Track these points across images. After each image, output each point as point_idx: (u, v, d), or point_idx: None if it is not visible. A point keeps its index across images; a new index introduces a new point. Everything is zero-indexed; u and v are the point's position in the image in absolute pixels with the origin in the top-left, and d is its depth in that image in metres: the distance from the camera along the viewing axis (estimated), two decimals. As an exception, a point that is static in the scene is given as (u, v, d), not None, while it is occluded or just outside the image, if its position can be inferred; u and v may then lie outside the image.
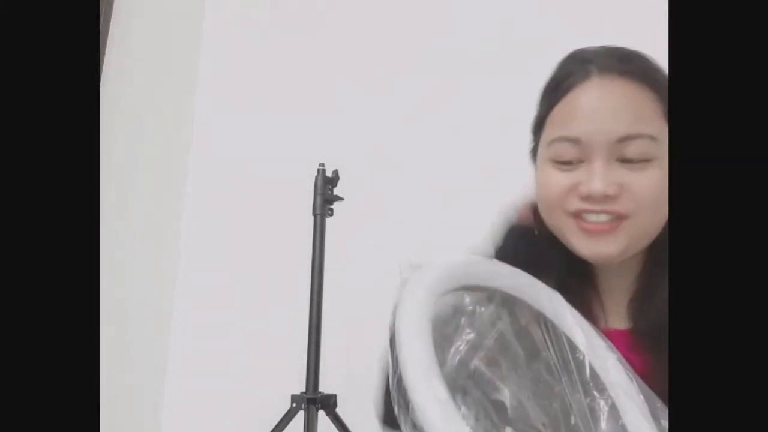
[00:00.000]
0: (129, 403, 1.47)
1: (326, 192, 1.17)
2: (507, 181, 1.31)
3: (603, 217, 0.63)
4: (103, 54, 1.44)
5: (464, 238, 1.35)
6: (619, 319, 0.68)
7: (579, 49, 0.70)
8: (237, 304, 1.56)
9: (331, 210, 1.18)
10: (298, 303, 1.20)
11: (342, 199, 1.18)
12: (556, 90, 0.68)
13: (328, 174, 1.18)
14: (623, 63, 0.66)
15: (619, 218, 0.62)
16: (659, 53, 0.72)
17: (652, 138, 0.62)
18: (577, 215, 0.64)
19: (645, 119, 0.63)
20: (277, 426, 1.10)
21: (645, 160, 0.62)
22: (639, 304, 0.67)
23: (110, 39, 1.47)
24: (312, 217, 1.16)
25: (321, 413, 1.10)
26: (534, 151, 0.74)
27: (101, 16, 1.43)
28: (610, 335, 0.64)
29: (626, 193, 0.62)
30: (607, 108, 0.64)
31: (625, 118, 0.63)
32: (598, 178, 0.62)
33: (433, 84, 1.45)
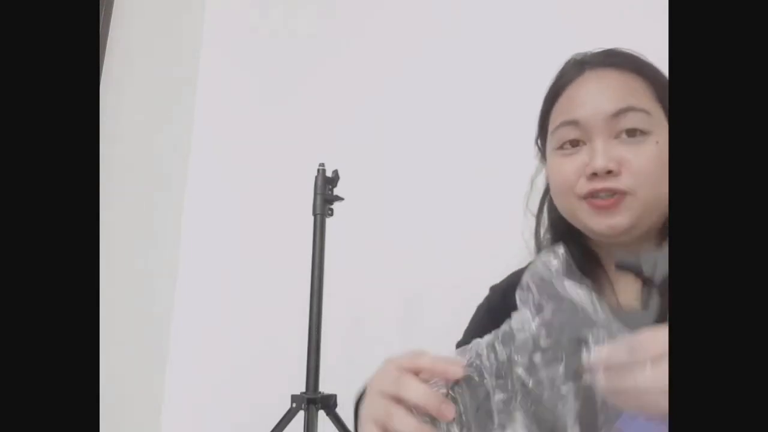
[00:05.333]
0: (129, 403, 1.47)
1: (326, 192, 1.17)
2: (508, 181, 1.32)
3: (609, 194, 0.70)
4: (103, 55, 1.45)
5: (464, 239, 1.36)
6: (631, 302, 0.73)
7: (575, 54, 0.79)
8: (237, 304, 1.56)
9: (331, 210, 1.18)
10: (298, 303, 1.20)
11: (342, 199, 1.18)
12: (555, 88, 0.78)
13: (328, 174, 1.18)
14: (611, 57, 0.75)
15: (622, 194, 0.69)
16: (661, 58, 0.74)
17: (644, 111, 0.70)
18: (588, 197, 0.71)
19: (635, 95, 0.71)
20: (277, 426, 1.10)
21: (641, 133, 0.70)
22: (649, 287, 0.70)
23: (110, 40, 1.48)
24: (312, 217, 1.16)
25: (321, 413, 1.10)
26: (542, 147, 0.82)
27: (101, 18, 1.43)
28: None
29: (625, 168, 0.69)
30: (599, 91, 0.73)
31: (616, 95, 0.71)
32: (599, 155, 0.69)
33: (434, 84, 1.45)
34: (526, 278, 0.52)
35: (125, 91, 1.53)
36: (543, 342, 0.49)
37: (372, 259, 1.40)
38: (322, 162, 1.18)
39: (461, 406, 0.50)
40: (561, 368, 0.48)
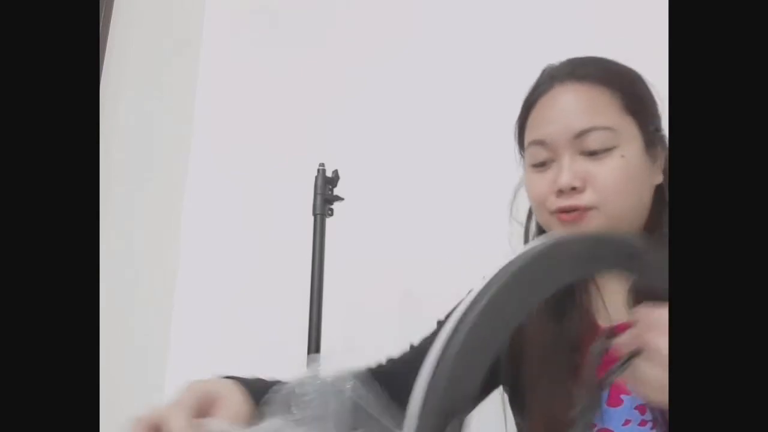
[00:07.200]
0: (129, 402, 1.47)
1: (326, 192, 1.17)
2: (507, 181, 1.32)
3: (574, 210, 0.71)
4: (103, 55, 1.44)
5: (464, 239, 1.36)
6: (620, 312, 0.73)
7: (548, 65, 0.80)
8: (236, 304, 1.56)
9: (331, 210, 1.18)
10: (298, 303, 1.20)
11: (342, 199, 1.18)
12: (528, 101, 0.79)
13: (328, 174, 1.18)
14: (579, 68, 0.75)
15: (585, 209, 0.71)
16: (657, 61, 0.73)
17: (608, 129, 0.71)
18: (557, 212, 0.73)
19: (599, 113, 0.71)
20: (277, 426, 1.10)
21: (606, 150, 0.71)
22: (636, 294, 0.71)
23: (110, 39, 1.48)
24: (312, 217, 1.16)
25: (321, 413, 1.10)
26: (522, 157, 0.83)
27: (101, 17, 1.43)
28: (617, 328, 0.70)
29: (590, 184, 0.71)
30: (563, 110, 0.73)
31: (580, 115, 0.72)
32: (564, 172, 0.71)
33: (434, 84, 1.45)
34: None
35: (125, 90, 1.53)
36: None
37: (372, 259, 1.40)
38: (322, 162, 1.18)
39: None
40: None
